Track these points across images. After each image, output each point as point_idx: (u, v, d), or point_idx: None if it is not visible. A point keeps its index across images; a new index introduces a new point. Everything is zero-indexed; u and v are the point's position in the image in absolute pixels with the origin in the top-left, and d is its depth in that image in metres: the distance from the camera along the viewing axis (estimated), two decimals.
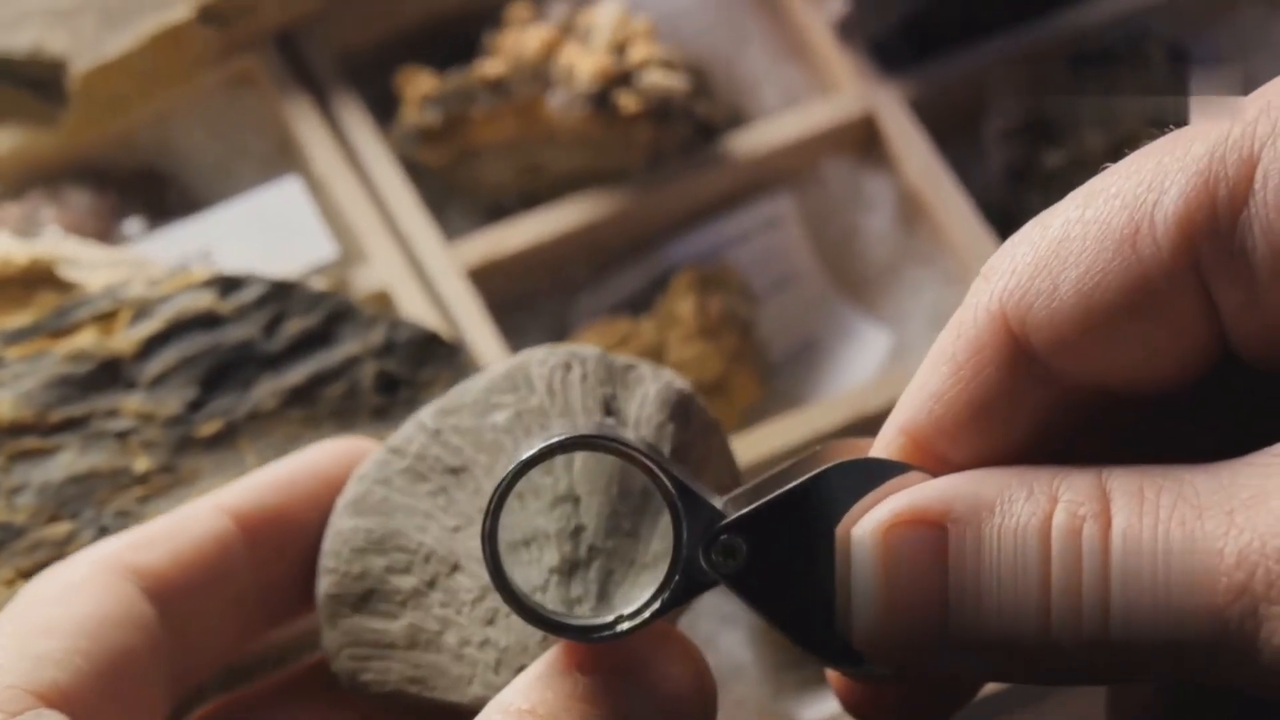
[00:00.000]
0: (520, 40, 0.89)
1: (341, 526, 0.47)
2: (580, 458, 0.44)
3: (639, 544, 0.44)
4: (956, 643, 0.39)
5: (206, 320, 0.64)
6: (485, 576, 0.43)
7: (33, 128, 0.89)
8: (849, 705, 0.43)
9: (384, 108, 0.92)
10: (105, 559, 0.46)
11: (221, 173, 0.92)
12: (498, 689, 0.43)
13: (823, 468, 0.41)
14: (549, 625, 0.41)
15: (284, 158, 0.91)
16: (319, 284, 0.70)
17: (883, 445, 0.42)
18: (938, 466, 0.41)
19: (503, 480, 0.40)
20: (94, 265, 0.71)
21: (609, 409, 0.46)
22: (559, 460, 0.45)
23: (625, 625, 0.41)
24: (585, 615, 0.43)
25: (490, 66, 0.89)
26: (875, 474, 0.41)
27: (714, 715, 0.43)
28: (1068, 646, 0.37)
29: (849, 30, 0.93)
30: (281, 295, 0.65)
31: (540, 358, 0.47)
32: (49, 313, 0.66)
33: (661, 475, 0.40)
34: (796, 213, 0.92)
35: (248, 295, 0.65)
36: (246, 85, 0.92)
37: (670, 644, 0.42)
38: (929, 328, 0.89)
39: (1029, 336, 0.40)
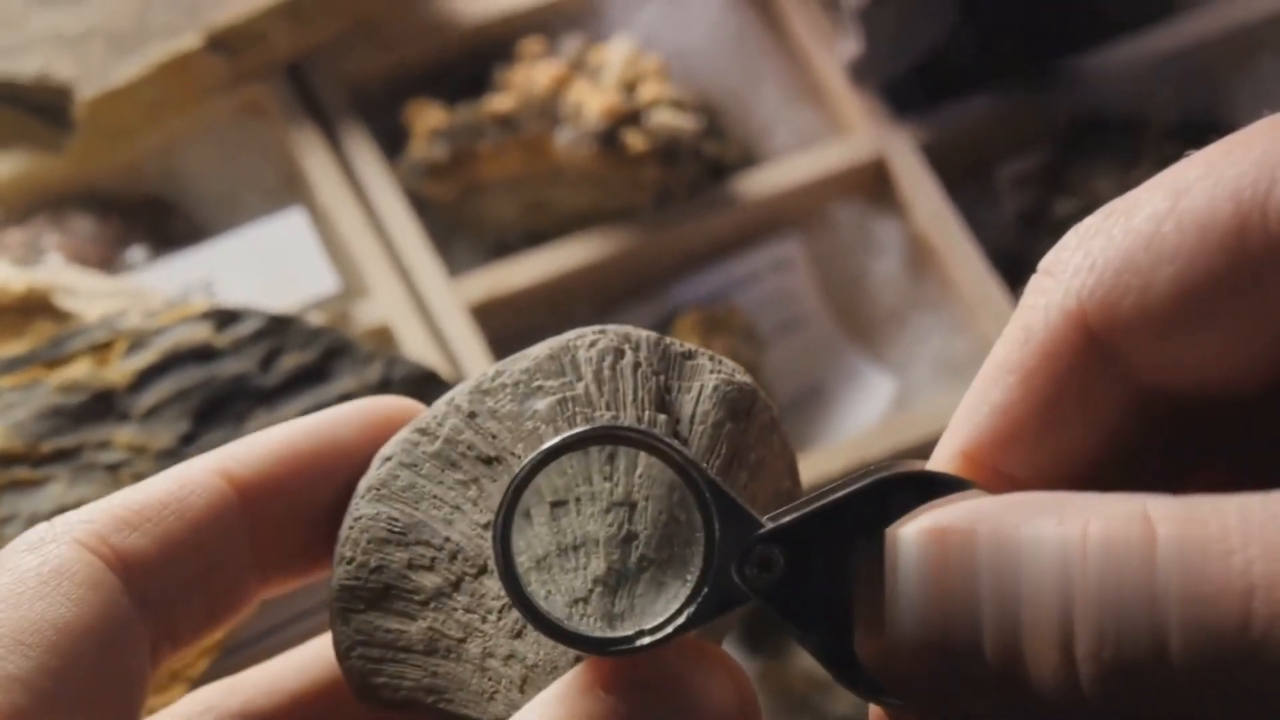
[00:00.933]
0: (530, 76, 0.89)
1: (362, 512, 0.43)
2: (644, 460, 0.41)
3: (697, 551, 0.41)
4: (969, 674, 0.36)
5: (202, 353, 0.64)
6: None
7: (39, 153, 0.88)
8: None
9: (394, 140, 0.92)
10: (89, 539, 0.42)
11: (227, 202, 0.91)
12: (518, 707, 0.40)
13: (872, 479, 0.38)
14: (562, 635, 0.38)
15: (290, 188, 0.91)
16: (317, 319, 0.70)
17: (939, 466, 0.39)
18: (1000, 485, 0.39)
19: (518, 473, 0.38)
20: (92, 294, 0.70)
21: (662, 403, 0.43)
22: (621, 463, 0.41)
23: (645, 640, 0.38)
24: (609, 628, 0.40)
25: (499, 102, 0.88)
26: (930, 490, 0.38)
27: None
28: (1106, 680, 0.34)
29: (861, 73, 0.92)
30: (278, 329, 0.65)
31: (590, 340, 0.43)
32: (44, 342, 0.65)
33: (696, 477, 0.38)
34: (805, 255, 0.91)
35: (244, 329, 0.64)
36: (255, 114, 0.92)
37: (709, 661, 0.39)
38: (934, 374, 0.88)
39: (1115, 337, 0.37)
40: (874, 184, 0.92)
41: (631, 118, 0.87)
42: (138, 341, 0.64)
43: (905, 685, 0.38)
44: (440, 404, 0.44)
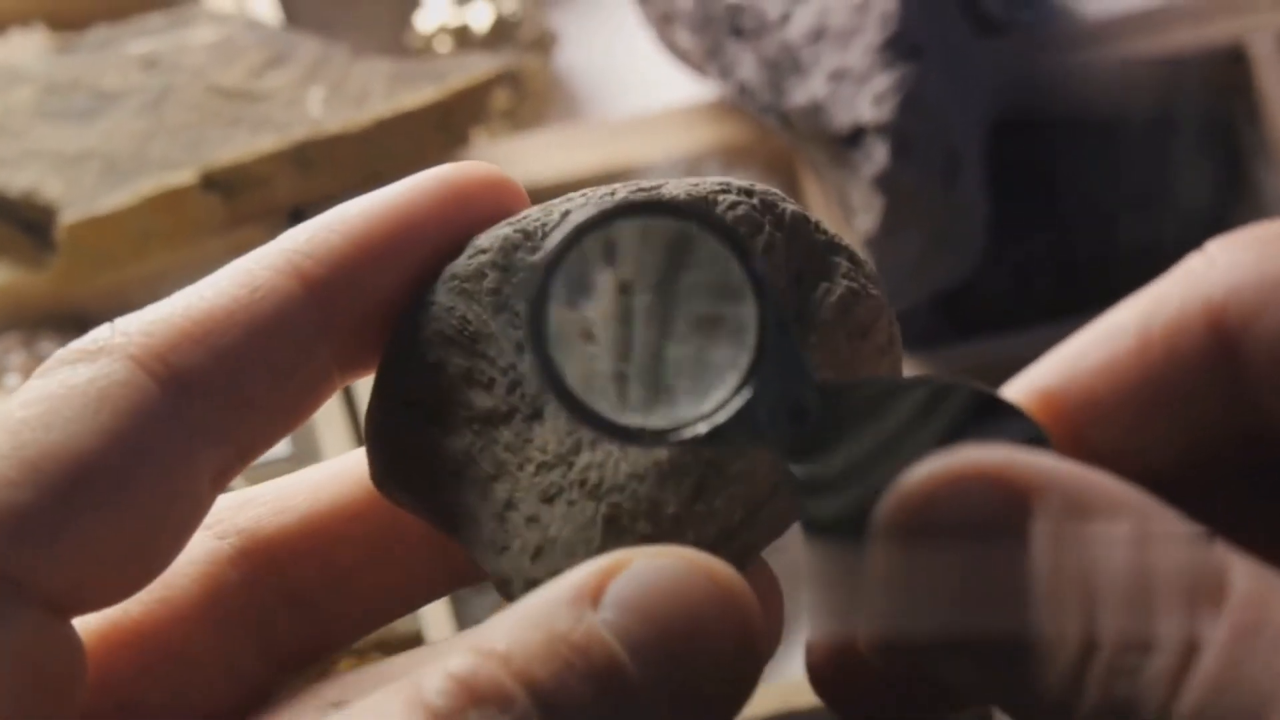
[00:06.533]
0: None
1: (439, 299, 0.39)
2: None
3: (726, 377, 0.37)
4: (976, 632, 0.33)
5: None
6: (567, 441, 0.38)
7: (22, 268, 0.87)
8: (820, 685, 0.38)
9: None
10: (145, 356, 0.38)
11: None
12: (525, 577, 0.37)
13: (945, 381, 0.35)
14: (592, 419, 0.35)
15: None
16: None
17: (1013, 397, 0.37)
18: (1066, 441, 0.36)
19: (565, 234, 0.35)
20: None
21: (788, 279, 0.39)
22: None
23: (649, 439, 0.35)
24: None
25: None
26: (1001, 420, 0.35)
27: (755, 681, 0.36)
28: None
29: None
30: None
31: (732, 201, 0.39)
32: None
33: (765, 296, 0.35)
34: None
35: None
36: None
37: (710, 581, 0.35)
38: None
39: (1243, 350, 0.35)
40: None
41: None
42: None
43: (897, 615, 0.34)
44: (553, 208, 0.40)
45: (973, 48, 0.95)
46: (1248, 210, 1.00)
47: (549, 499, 0.38)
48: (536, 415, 0.38)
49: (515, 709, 0.33)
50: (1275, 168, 1.00)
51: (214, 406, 0.39)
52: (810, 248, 0.39)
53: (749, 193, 0.39)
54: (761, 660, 0.36)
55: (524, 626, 0.34)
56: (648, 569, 0.35)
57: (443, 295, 0.39)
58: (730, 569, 0.35)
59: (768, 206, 0.39)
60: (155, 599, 0.41)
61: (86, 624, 0.40)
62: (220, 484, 0.40)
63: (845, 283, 0.39)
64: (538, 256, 0.38)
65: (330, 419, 0.83)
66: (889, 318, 0.40)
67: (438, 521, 0.39)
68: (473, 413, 0.39)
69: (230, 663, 0.41)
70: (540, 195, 0.93)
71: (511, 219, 0.40)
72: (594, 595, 0.35)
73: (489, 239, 0.40)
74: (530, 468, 0.38)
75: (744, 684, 0.35)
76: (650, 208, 0.36)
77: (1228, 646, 0.32)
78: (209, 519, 0.41)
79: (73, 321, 0.88)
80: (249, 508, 0.42)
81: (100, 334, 0.39)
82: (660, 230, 0.37)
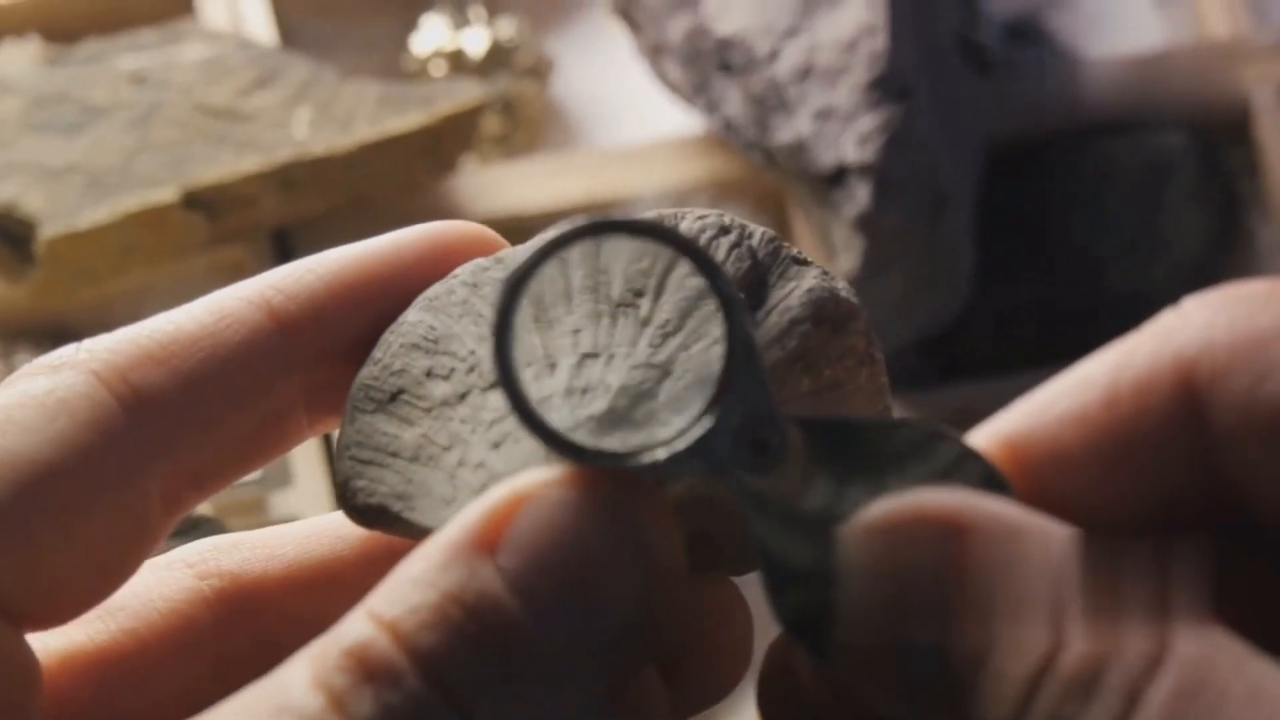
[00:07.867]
0: None
1: (407, 318, 0.41)
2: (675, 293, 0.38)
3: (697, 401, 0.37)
4: (920, 670, 0.33)
5: None
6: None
7: (0, 281, 0.87)
8: (764, 707, 0.38)
9: None
10: (107, 372, 0.38)
11: None
12: None
13: (912, 423, 0.35)
14: (546, 434, 0.35)
15: None
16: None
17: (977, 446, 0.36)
18: (1029, 491, 0.36)
19: (527, 261, 0.35)
20: None
21: (749, 285, 0.40)
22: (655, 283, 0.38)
23: (607, 461, 0.34)
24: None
25: None
26: (964, 466, 0.35)
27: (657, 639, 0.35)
28: None
29: None
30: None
31: (698, 214, 0.41)
32: None
33: (734, 319, 0.34)
34: None
35: None
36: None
37: (617, 540, 0.34)
38: None
39: (1213, 413, 0.35)
40: None
41: None
42: None
43: (853, 658, 0.34)
44: (532, 241, 0.41)
45: (969, 88, 0.94)
46: (1241, 262, 0.99)
47: (496, 445, 0.39)
48: (492, 385, 0.40)
49: (405, 684, 0.33)
50: (1271, 219, 1.00)
51: (170, 426, 0.39)
52: (779, 257, 0.41)
53: (721, 214, 0.41)
54: (669, 600, 0.35)
55: (416, 587, 0.34)
56: (545, 509, 0.34)
57: (413, 314, 0.41)
58: (633, 487, 0.35)
59: (739, 223, 0.41)
60: (121, 629, 0.41)
61: (47, 648, 0.40)
62: (174, 509, 0.39)
63: (812, 281, 0.40)
64: (507, 272, 0.38)
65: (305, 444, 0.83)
66: (867, 327, 0.40)
67: (393, 512, 0.40)
68: (431, 402, 0.40)
69: (191, 700, 0.41)
70: (528, 223, 0.93)
71: (489, 256, 0.41)
72: (489, 541, 0.34)
73: (463, 268, 0.41)
74: (482, 429, 0.39)
75: (653, 628, 0.35)
76: (620, 227, 0.36)
77: (1168, 705, 0.31)
78: (193, 558, 0.41)
79: (51, 335, 0.88)
80: (236, 551, 0.43)
81: (65, 351, 0.39)
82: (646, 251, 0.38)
